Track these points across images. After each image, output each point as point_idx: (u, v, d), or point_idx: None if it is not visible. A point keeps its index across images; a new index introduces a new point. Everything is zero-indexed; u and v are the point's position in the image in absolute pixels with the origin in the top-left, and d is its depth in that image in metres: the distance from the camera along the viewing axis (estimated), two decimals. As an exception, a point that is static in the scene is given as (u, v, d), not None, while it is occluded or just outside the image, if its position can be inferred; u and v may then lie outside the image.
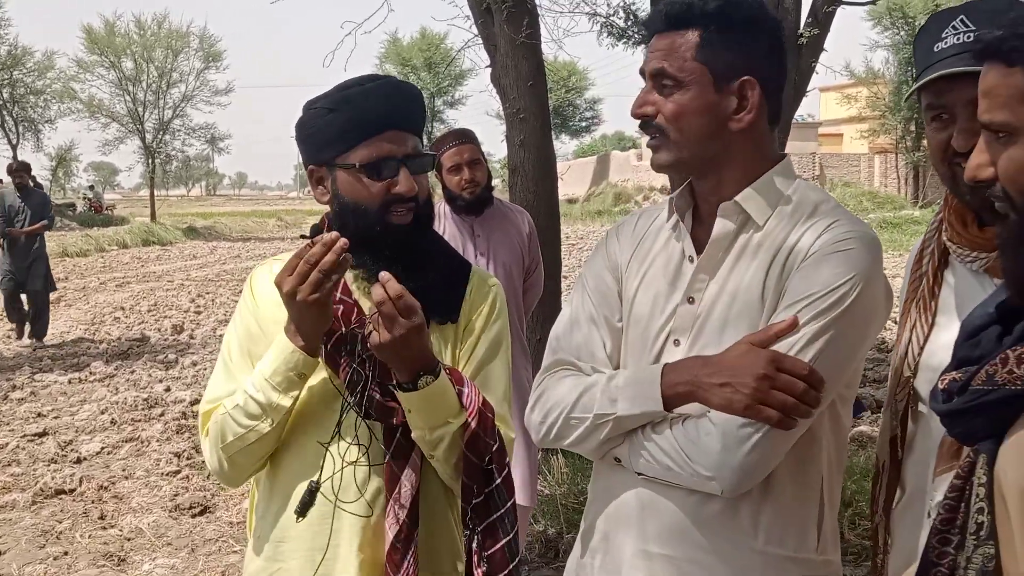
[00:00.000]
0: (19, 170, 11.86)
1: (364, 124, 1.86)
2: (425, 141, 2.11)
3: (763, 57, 1.71)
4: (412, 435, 1.87)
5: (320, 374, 1.89)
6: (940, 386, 1.29)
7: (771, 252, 1.68)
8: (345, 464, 1.87)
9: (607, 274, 1.88)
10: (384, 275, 1.74)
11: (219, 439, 1.89)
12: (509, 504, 1.92)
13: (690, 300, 1.74)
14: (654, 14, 1.77)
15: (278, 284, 1.77)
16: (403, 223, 1.88)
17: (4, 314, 12.54)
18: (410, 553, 1.85)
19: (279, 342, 1.84)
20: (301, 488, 1.88)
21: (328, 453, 1.87)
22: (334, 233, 1.74)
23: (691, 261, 1.76)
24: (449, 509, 2.00)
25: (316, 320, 1.79)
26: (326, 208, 1.99)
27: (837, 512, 1.78)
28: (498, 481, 1.90)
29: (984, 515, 1.22)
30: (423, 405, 1.82)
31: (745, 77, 1.69)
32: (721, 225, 1.72)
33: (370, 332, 1.78)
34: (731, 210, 1.71)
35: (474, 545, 1.90)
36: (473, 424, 1.86)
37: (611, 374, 1.74)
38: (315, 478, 1.85)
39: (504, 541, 1.89)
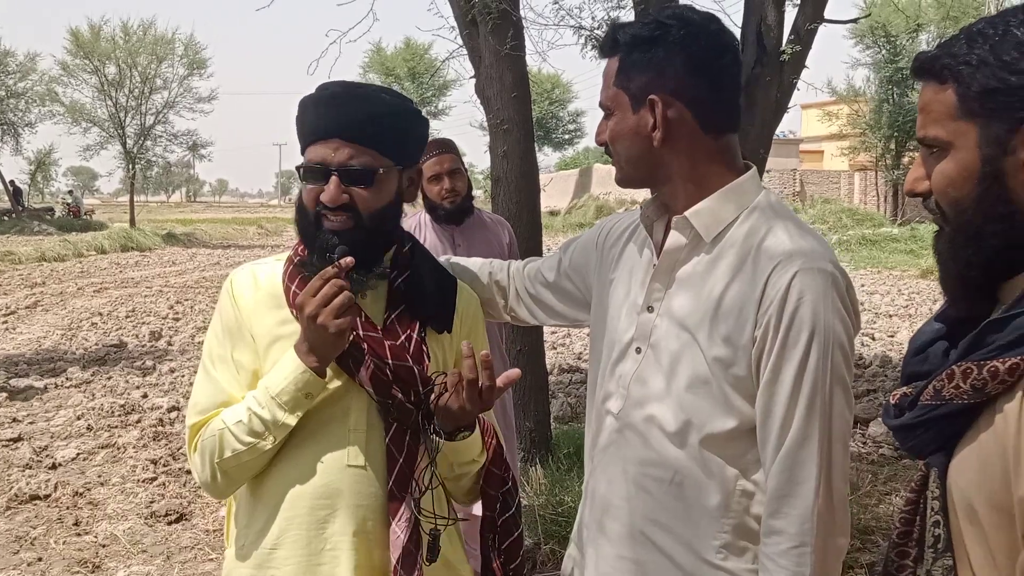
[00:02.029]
0: None
1: (313, 128, 1.88)
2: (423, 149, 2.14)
3: (677, 72, 1.74)
4: (438, 470, 1.94)
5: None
6: (891, 401, 1.34)
7: (724, 278, 1.72)
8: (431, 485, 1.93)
9: (591, 245, 2.06)
10: (485, 355, 1.81)
11: (216, 453, 1.88)
12: (520, 530, 2.07)
13: (649, 309, 1.82)
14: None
15: (300, 305, 1.79)
16: (334, 228, 1.86)
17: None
18: (420, 559, 1.87)
19: (288, 360, 1.84)
20: (294, 494, 1.88)
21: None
22: (351, 258, 1.78)
23: (654, 268, 1.83)
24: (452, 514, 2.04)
25: (334, 343, 1.81)
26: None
27: None
28: (512, 510, 2.05)
29: (940, 528, 1.26)
30: (454, 449, 1.93)
31: (652, 95, 1.75)
32: (674, 238, 1.79)
33: (440, 393, 1.86)
34: (682, 224, 1.78)
35: (496, 564, 2.05)
36: (489, 463, 2.03)
37: None
38: (432, 525, 1.91)
39: (516, 563, 2.06)
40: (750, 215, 1.77)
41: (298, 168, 1.90)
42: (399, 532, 1.86)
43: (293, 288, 1.92)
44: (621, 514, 1.81)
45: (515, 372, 1.87)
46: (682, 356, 1.74)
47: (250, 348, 1.93)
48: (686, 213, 1.76)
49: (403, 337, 1.92)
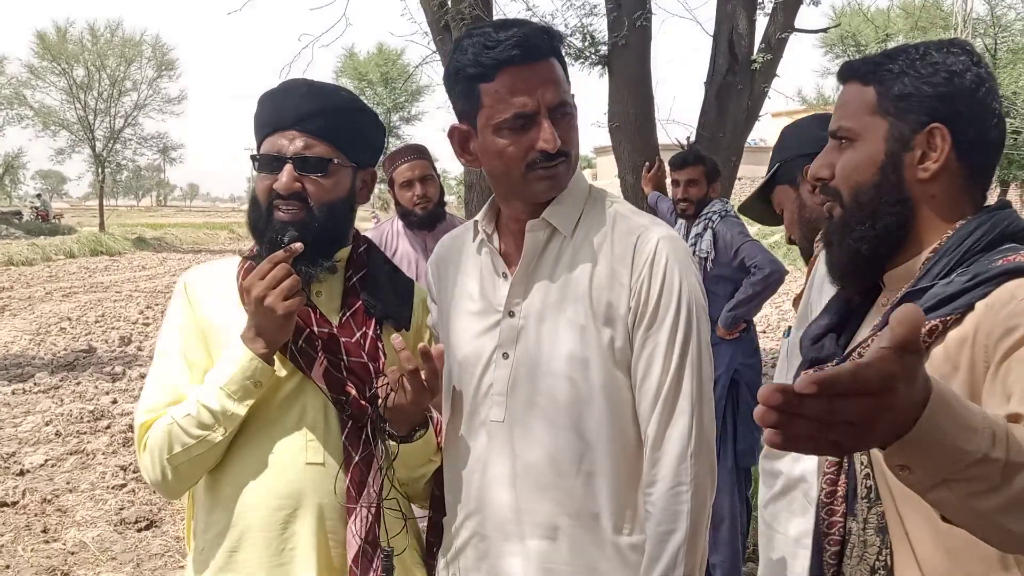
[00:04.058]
0: None
1: (270, 120, 1.92)
2: (380, 156, 2.16)
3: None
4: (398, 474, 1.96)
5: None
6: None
7: (589, 261, 1.81)
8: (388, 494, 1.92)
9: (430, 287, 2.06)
10: (423, 347, 1.80)
11: (165, 449, 1.86)
12: None
13: (511, 314, 1.85)
14: (517, 45, 1.75)
15: (247, 288, 1.80)
16: (286, 219, 1.88)
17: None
18: (376, 558, 1.88)
19: (235, 350, 1.84)
20: (254, 495, 1.87)
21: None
22: (300, 244, 1.80)
23: (504, 277, 1.86)
24: (410, 516, 2.04)
25: (282, 326, 1.81)
26: None
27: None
28: None
29: (871, 479, 1.43)
30: (411, 451, 1.93)
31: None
32: (532, 240, 1.83)
33: (387, 394, 1.85)
34: (539, 225, 1.83)
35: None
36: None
37: None
38: (384, 544, 1.89)
39: None
40: (592, 204, 1.87)
41: (253, 157, 1.92)
42: (355, 530, 1.87)
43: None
44: (530, 518, 1.81)
45: (440, 346, 1.87)
46: (559, 349, 1.79)
47: (204, 348, 1.94)
48: (544, 215, 1.81)
49: (358, 334, 1.93)
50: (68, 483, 6.37)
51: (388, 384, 1.85)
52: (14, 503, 5.97)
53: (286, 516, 1.87)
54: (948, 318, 1.35)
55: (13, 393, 9.08)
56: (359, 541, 1.86)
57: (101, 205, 43.59)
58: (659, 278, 1.76)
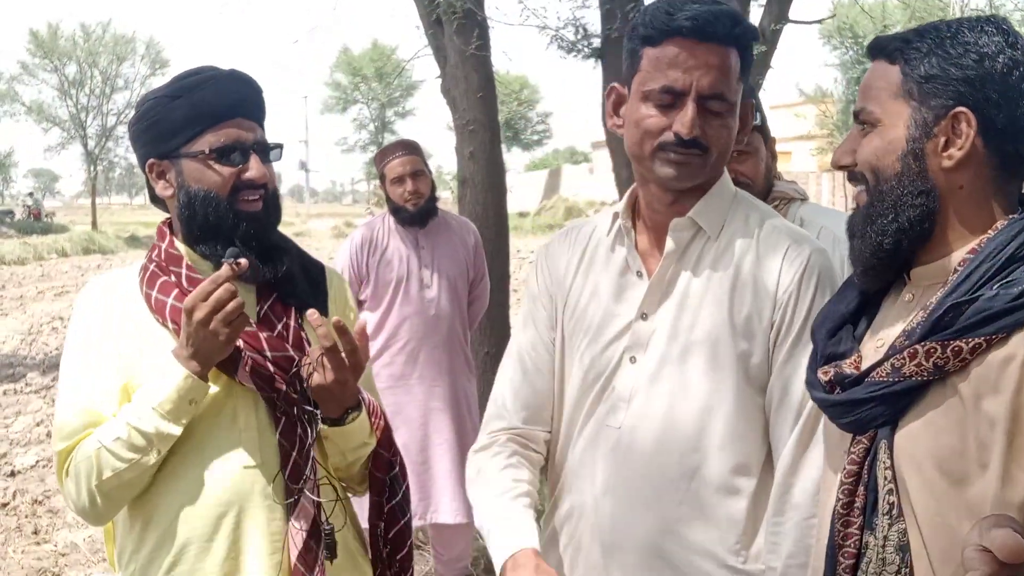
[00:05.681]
0: None
1: (212, 111, 1.84)
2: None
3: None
4: (329, 461, 1.92)
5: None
6: (823, 378, 1.46)
7: (733, 266, 1.71)
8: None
9: (540, 309, 1.91)
10: (337, 321, 1.74)
11: (93, 475, 1.76)
12: (408, 517, 2.03)
13: (643, 316, 1.74)
14: (692, 18, 1.63)
15: (189, 309, 1.72)
16: (252, 210, 1.86)
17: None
18: (320, 554, 1.83)
19: (168, 368, 1.75)
20: (191, 507, 1.79)
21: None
22: (245, 261, 1.75)
23: (639, 276, 1.76)
24: (349, 506, 2.01)
25: (222, 349, 1.75)
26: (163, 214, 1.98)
27: None
28: (399, 497, 2.01)
29: (894, 495, 1.37)
30: (343, 434, 1.89)
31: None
32: (675, 240, 1.73)
33: (311, 373, 1.80)
34: (684, 225, 1.72)
35: (384, 551, 2.01)
36: (377, 445, 1.97)
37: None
38: (324, 523, 1.84)
39: (403, 552, 2.02)
40: (738, 207, 1.77)
41: (205, 152, 1.83)
42: (298, 527, 1.81)
43: (155, 295, 1.85)
44: (634, 530, 1.73)
45: (362, 321, 1.83)
46: (691, 358, 1.70)
47: (114, 363, 1.84)
48: (690, 214, 1.72)
49: (280, 326, 1.88)
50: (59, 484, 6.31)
51: (310, 364, 1.80)
52: (4, 504, 5.93)
53: (226, 523, 1.80)
54: (992, 337, 1.28)
55: (4, 393, 9.04)
56: (303, 539, 1.81)
57: (93, 203, 43.48)
58: (809, 294, 1.67)
